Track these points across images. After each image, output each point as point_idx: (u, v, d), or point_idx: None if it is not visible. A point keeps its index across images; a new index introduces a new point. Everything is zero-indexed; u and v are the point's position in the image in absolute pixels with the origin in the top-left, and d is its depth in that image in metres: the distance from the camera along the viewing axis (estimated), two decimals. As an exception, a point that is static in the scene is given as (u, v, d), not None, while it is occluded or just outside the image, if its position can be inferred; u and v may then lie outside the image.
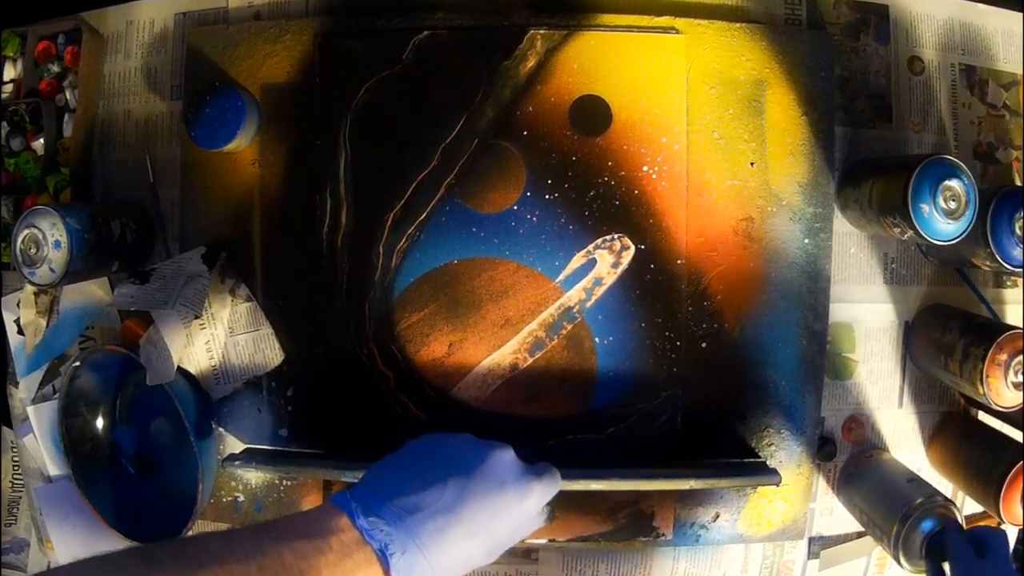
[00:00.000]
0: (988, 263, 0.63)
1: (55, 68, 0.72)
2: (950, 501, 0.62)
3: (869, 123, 0.71)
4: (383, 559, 0.45)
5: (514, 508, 0.50)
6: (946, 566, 0.58)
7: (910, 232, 0.60)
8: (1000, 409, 0.62)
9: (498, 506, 0.49)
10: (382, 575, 0.45)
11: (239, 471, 0.66)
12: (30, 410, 0.72)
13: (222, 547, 0.42)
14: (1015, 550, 0.74)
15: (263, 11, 0.71)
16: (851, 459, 0.70)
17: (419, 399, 0.66)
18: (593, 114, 0.65)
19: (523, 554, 0.70)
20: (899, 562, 0.61)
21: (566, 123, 0.65)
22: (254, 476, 0.68)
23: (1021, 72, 0.74)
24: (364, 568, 0.44)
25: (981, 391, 0.61)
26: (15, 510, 0.77)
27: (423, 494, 0.48)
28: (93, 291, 0.71)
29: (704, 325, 0.66)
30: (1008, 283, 0.73)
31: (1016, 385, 0.61)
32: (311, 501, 0.68)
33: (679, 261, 0.65)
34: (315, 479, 0.68)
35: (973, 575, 0.55)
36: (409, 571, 0.45)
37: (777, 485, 0.66)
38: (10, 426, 0.75)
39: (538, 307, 0.65)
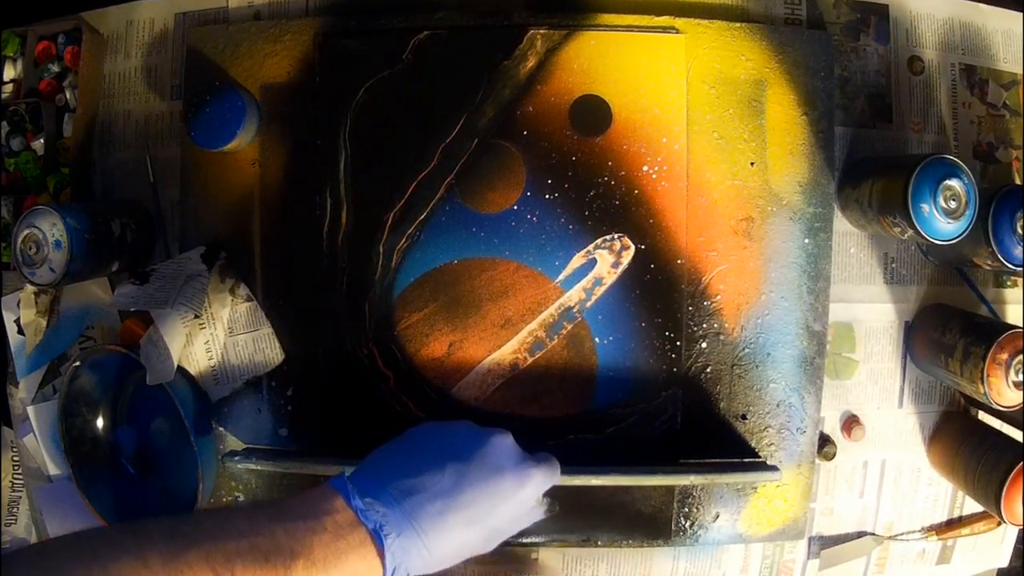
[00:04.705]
0: (989, 262, 0.63)
1: (55, 68, 0.72)
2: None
3: (869, 123, 0.71)
4: (377, 540, 0.44)
5: (513, 494, 0.50)
6: None
7: (910, 232, 0.60)
8: (1001, 409, 0.62)
9: (497, 491, 0.49)
10: (376, 556, 0.44)
11: (239, 467, 0.66)
12: (30, 410, 0.72)
13: (215, 524, 0.42)
14: (1015, 550, 0.74)
15: (263, 11, 0.71)
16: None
17: (419, 399, 0.66)
18: (593, 114, 0.65)
19: (523, 554, 0.70)
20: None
21: (566, 123, 0.65)
22: (254, 476, 0.68)
23: (1021, 72, 0.74)
24: (357, 549, 0.44)
25: (982, 390, 0.61)
26: (15, 510, 0.77)
27: (421, 477, 0.48)
28: (93, 291, 0.72)
29: (704, 325, 0.66)
30: (1008, 283, 0.73)
31: (1017, 384, 0.61)
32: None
33: (679, 261, 0.65)
34: (315, 477, 0.68)
35: None
36: (404, 554, 0.45)
37: (777, 482, 0.66)
38: (10, 426, 0.75)
39: (538, 307, 0.65)
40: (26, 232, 0.61)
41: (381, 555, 0.44)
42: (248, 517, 0.43)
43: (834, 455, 0.70)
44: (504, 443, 0.52)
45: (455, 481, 0.48)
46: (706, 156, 0.66)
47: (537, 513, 0.55)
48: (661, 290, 0.65)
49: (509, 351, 0.65)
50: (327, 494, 0.46)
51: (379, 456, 0.51)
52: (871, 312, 0.71)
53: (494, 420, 0.65)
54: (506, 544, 0.52)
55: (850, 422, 0.70)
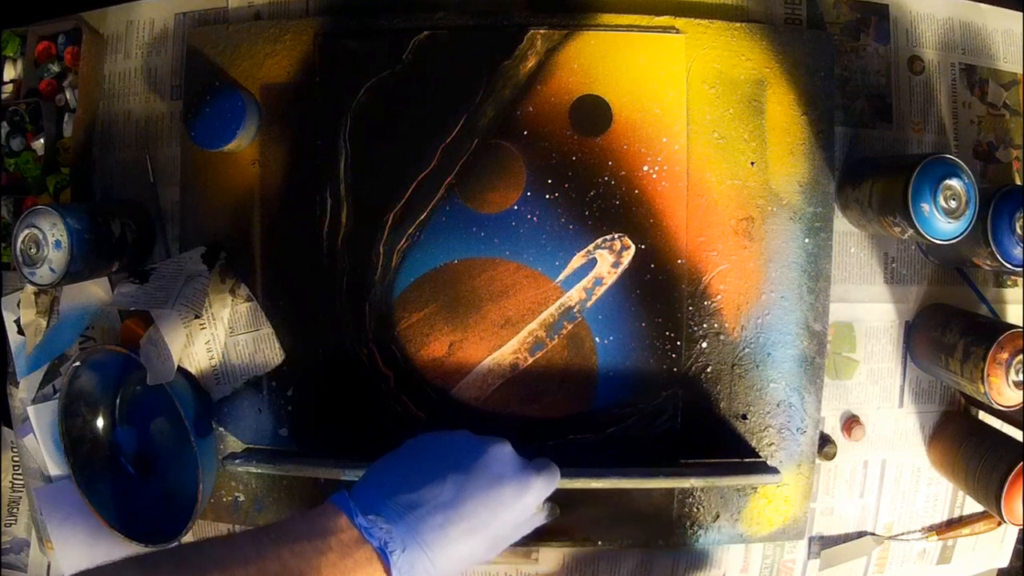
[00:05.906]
0: (988, 262, 0.63)
1: (55, 68, 0.72)
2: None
3: (869, 123, 0.71)
4: (383, 557, 0.45)
5: (514, 502, 0.50)
6: None
7: (910, 231, 0.60)
8: (1001, 408, 0.62)
9: (498, 500, 0.49)
10: (382, 573, 0.44)
11: (240, 469, 0.66)
12: (30, 410, 0.72)
13: (222, 552, 0.42)
14: (1015, 550, 0.74)
15: (263, 11, 0.71)
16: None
17: (419, 399, 0.66)
18: (593, 114, 0.65)
19: (523, 554, 0.70)
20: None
21: (566, 123, 0.65)
22: (254, 476, 0.68)
23: (1021, 72, 0.74)
24: (364, 567, 0.44)
25: (982, 390, 0.61)
26: (15, 510, 0.77)
27: (422, 491, 0.48)
28: (93, 291, 0.71)
29: (704, 325, 0.66)
30: (1008, 282, 0.73)
31: (1017, 384, 0.61)
32: (312, 501, 0.68)
33: (679, 261, 0.65)
34: (315, 479, 0.68)
35: None
36: (410, 569, 0.45)
37: (777, 483, 0.66)
38: (10, 426, 0.75)
39: (538, 307, 0.65)
40: (26, 232, 0.61)
41: (387, 571, 0.45)
42: (253, 542, 0.43)
43: (834, 455, 0.70)
44: (503, 451, 0.52)
45: (455, 492, 0.48)
46: (706, 156, 0.66)
47: (538, 519, 0.55)
48: (661, 290, 0.65)
49: (509, 351, 0.65)
50: (330, 512, 0.47)
51: (379, 470, 0.51)
52: (871, 312, 0.71)
53: (494, 420, 0.65)
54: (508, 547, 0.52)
55: (850, 422, 0.70)
